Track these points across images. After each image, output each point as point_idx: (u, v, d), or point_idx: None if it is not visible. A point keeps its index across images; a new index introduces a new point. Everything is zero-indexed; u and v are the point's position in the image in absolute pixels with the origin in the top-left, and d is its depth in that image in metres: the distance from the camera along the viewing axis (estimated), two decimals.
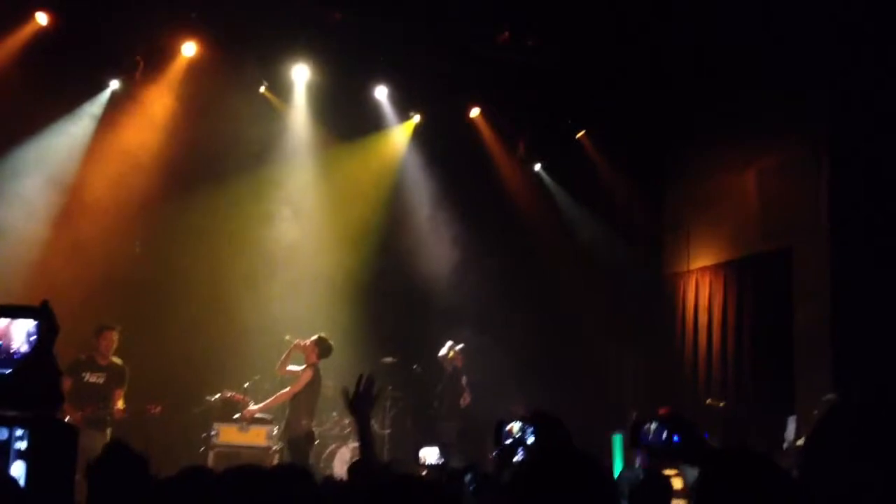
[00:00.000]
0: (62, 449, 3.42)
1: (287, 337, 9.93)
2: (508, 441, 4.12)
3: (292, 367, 9.77)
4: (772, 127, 11.23)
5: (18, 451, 3.35)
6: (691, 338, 12.87)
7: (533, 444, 3.99)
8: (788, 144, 11.30)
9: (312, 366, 9.54)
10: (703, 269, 12.90)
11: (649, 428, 3.55)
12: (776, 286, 11.61)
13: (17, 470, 3.35)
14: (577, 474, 2.68)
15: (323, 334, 9.76)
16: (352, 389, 4.13)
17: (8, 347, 3.91)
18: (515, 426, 4.12)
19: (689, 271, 13.17)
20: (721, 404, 10.72)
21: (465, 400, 11.46)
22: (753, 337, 11.92)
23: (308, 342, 9.65)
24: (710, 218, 12.94)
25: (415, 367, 11.51)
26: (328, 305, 11.46)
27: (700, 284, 12.91)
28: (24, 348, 3.92)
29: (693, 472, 4.18)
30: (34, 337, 3.83)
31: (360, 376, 4.08)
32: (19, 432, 3.38)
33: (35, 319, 3.83)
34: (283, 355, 9.80)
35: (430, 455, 9.63)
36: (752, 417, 10.89)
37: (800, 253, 11.34)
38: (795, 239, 11.36)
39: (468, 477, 4.69)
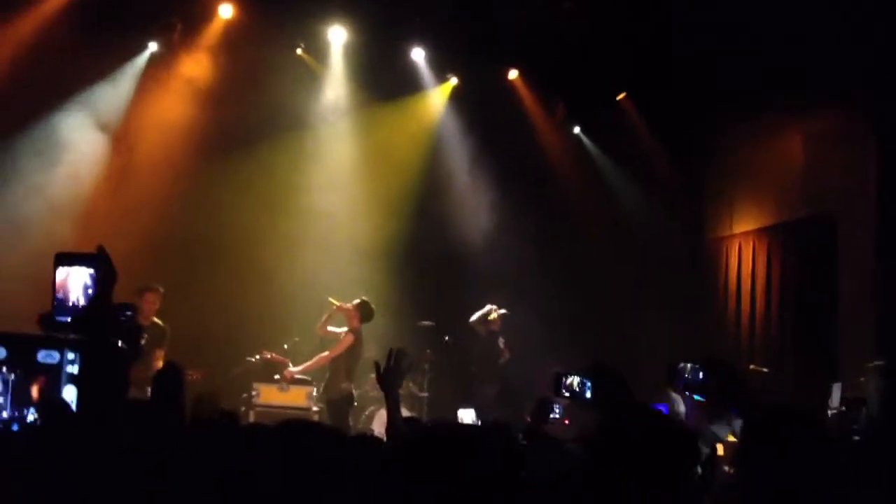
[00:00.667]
0: (113, 374, 3.39)
1: (330, 298, 9.91)
2: (567, 394, 4.04)
3: (333, 329, 9.76)
4: (820, 91, 10.98)
5: (70, 374, 3.33)
6: (734, 303, 12.72)
7: (591, 398, 3.90)
8: (836, 110, 11.08)
9: (354, 330, 9.51)
10: (746, 233, 12.72)
11: (685, 367, 3.47)
12: (820, 251, 11.43)
13: (69, 394, 3.33)
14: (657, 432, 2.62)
15: (365, 298, 9.73)
16: (383, 363, 4.25)
17: (66, 299, 3.88)
18: (575, 379, 4.02)
19: (731, 236, 13.00)
20: (765, 370, 10.55)
21: (505, 356, 11.42)
22: (797, 302, 11.76)
23: (350, 305, 9.63)
24: (754, 182, 12.75)
25: (447, 338, 11.44)
26: (365, 269, 11.42)
27: (743, 249, 12.73)
28: (82, 301, 3.89)
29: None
30: (90, 287, 3.79)
31: (391, 350, 4.17)
32: (71, 356, 3.35)
33: (91, 268, 3.79)
34: (325, 316, 9.80)
35: (466, 416, 9.61)
36: (796, 383, 10.74)
37: (844, 219, 11.15)
38: (840, 205, 11.17)
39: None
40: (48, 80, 10.57)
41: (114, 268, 3.69)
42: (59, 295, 3.79)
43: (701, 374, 3.53)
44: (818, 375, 10.50)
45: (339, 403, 9.30)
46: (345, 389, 9.40)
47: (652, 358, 11.86)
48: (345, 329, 9.58)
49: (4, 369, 3.29)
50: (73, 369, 3.35)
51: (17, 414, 3.23)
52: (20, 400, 3.29)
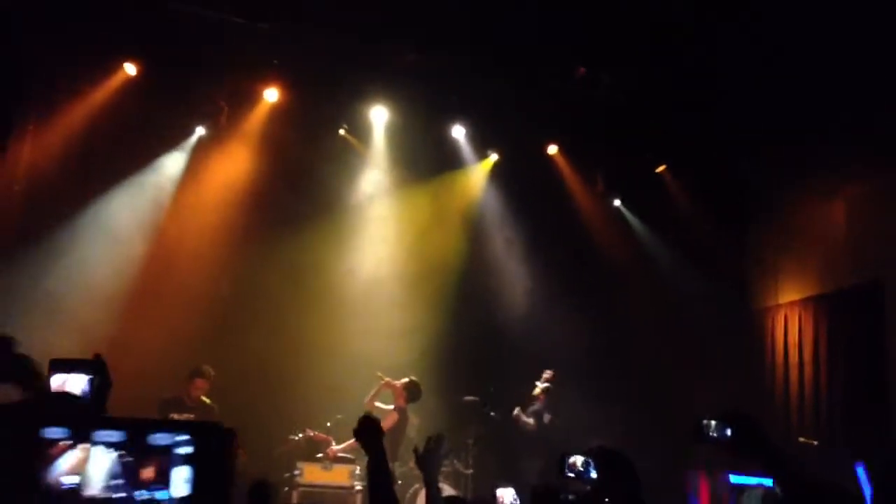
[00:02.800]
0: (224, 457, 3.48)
1: (379, 373, 9.96)
2: (571, 475, 4.06)
3: (380, 405, 9.78)
4: (860, 154, 10.93)
5: (183, 456, 3.41)
6: (781, 375, 12.52)
7: (595, 480, 3.92)
8: (878, 172, 11.01)
9: (400, 409, 9.53)
10: (792, 303, 12.57)
11: (709, 424, 3.47)
12: (868, 321, 11.25)
13: (182, 475, 3.41)
14: None
15: (414, 378, 9.76)
16: (422, 446, 4.31)
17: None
18: (579, 460, 4.05)
19: (777, 306, 12.84)
20: (814, 443, 10.35)
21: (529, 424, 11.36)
22: (846, 374, 11.54)
23: (399, 384, 9.66)
24: (798, 250, 12.64)
25: (485, 405, 11.40)
26: (408, 348, 11.48)
27: (789, 320, 12.57)
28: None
29: None
30: (87, 391, 3.88)
31: (430, 438, 4.24)
32: (183, 438, 3.44)
33: (88, 374, 3.87)
34: (373, 391, 9.84)
35: (506, 495, 9.50)
36: (848, 457, 10.49)
37: (892, 285, 10.99)
38: (887, 271, 11.02)
39: None
40: (99, 165, 10.96)
41: (109, 375, 3.75)
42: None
43: (728, 431, 3.51)
44: (870, 449, 10.27)
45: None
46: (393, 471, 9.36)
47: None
48: (391, 407, 9.60)
49: (119, 452, 3.38)
50: (186, 450, 3.43)
51: (130, 496, 3.33)
52: (134, 483, 3.40)
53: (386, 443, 9.35)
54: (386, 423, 9.46)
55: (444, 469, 9.98)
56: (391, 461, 9.25)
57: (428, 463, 4.36)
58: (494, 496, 9.14)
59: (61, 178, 10.75)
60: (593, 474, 3.99)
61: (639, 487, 3.78)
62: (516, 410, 11.39)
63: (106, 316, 10.45)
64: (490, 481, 10.70)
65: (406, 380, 9.71)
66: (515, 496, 8.63)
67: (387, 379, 9.72)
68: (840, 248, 11.84)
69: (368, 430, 4.02)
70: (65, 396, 3.72)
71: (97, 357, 3.85)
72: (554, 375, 11.44)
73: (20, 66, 10.28)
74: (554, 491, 4.33)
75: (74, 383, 3.84)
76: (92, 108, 10.97)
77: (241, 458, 9.01)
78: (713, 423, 3.42)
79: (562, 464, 4.15)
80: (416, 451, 4.45)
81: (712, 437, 3.41)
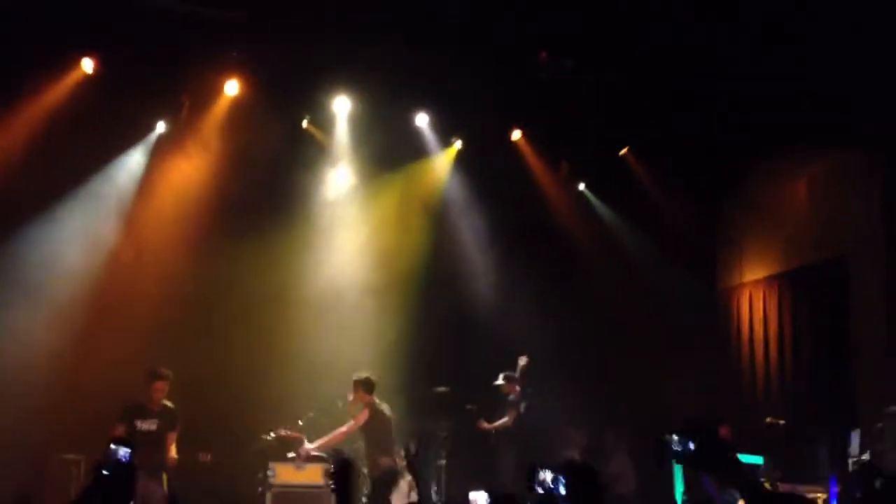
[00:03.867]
0: None
1: (338, 401, 9.99)
2: (539, 490, 4.08)
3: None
4: (823, 133, 11.02)
5: None
6: (747, 353, 12.69)
7: (563, 496, 3.95)
8: (840, 151, 11.12)
9: (367, 404, 9.51)
10: (757, 281, 12.73)
11: (671, 438, 3.50)
12: (832, 297, 11.42)
13: None
14: None
15: (356, 375, 9.66)
16: (412, 447, 4.34)
17: None
18: (548, 476, 4.07)
19: (742, 284, 13.00)
20: (781, 422, 10.49)
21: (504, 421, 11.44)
22: (812, 350, 11.73)
23: (350, 396, 9.63)
24: (763, 230, 12.77)
25: (468, 406, 11.46)
26: (377, 337, 11.51)
27: (754, 298, 12.73)
28: None
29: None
30: None
31: (419, 439, 4.30)
32: None
33: None
34: (349, 409, 9.78)
35: (479, 499, 9.57)
36: (815, 433, 10.66)
37: (854, 262, 11.15)
38: (850, 248, 11.17)
39: None
40: (59, 164, 10.76)
41: None
42: None
43: (691, 445, 3.53)
44: (836, 423, 10.45)
45: (381, 479, 9.31)
46: (385, 465, 9.36)
47: (669, 412, 11.83)
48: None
49: None
50: None
51: None
52: None
53: (371, 440, 9.40)
54: (358, 420, 9.45)
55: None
56: (384, 455, 9.25)
57: (416, 463, 4.41)
58: (467, 500, 9.22)
59: (21, 178, 10.54)
60: (562, 490, 4.01)
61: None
62: (482, 423, 11.43)
63: (67, 320, 10.36)
64: (463, 476, 10.82)
65: (355, 378, 9.62)
66: (488, 500, 8.67)
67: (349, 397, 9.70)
68: (803, 227, 11.99)
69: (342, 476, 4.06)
70: None
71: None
72: (528, 363, 11.51)
73: None
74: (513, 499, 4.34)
75: None
76: (50, 105, 10.75)
77: (207, 460, 9.03)
78: (675, 437, 3.44)
79: (531, 477, 4.16)
80: (406, 450, 4.56)
81: (676, 451, 3.42)
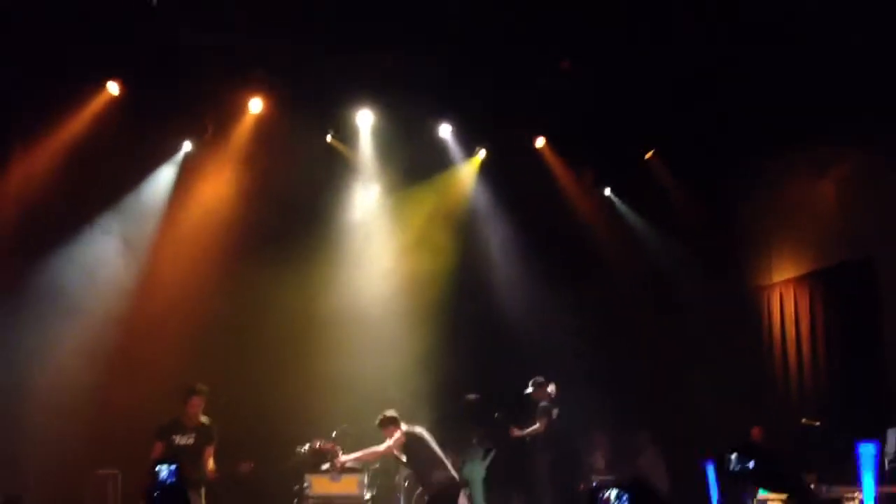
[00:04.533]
0: None
1: (391, 393, 10.29)
2: None
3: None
4: (849, 131, 10.95)
5: None
6: (779, 353, 12.60)
7: None
8: (866, 149, 11.04)
9: (403, 432, 9.43)
10: (787, 281, 12.64)
11: (729, 458, 3.52)
12: (863, 295, 11.33)
13: None
14: None
15: (379, 416, 9.54)
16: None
17: None
18: (612, 494, 4.07)
19: (772, 284, 12.91)
20: (817, 423, 10.41)
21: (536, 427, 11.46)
22: (844, 349, 11.64)
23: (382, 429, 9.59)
24: (790, 229, 12.69)
25: (496, 415, 11.46)
26: (408, 344, 11.56)
27: (784, 297, 12.64)
28: None
29: None
30: None
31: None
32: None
33: None
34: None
35: None
36: (851, 433, 10.56)
37: (884, 260, 11.07)
38: (879, 247, 11.09)
39: None
40: (87, 187, 10.92)
41: None
42: None
43: (751, 464, 3.55)
44: (872, 422, 10.36)
45: (441, 494, 9.24)
46: (440, 478, 9.23)
47: (703, 416, 11.81)
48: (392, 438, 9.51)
49: None
50: None
51: None
52: None
53: (414, 462, 9.35)
54: (394, 444, 9.37)
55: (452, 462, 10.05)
56: (440, 469, 9.21)
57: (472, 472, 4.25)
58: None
59: (51, 201, 10.70)
60: None
61: None
62: (514, 429, 11.43)
63: (98, 343, 10.50)
64: (497, 482, 10.83)
65: (380, 418, 9.58)
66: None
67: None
68: (831, 226, 11.90)
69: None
70: None
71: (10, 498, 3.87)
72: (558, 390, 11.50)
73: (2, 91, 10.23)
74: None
75: None
76: (79, 128, 10.91)
77: (248, 470, 9.09)
78: (733, 456, 3.48)
79: (593, 499, 4.16)
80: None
81: (733, 470, 3.46)
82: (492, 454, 4.04)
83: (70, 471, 9.70)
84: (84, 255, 10.94)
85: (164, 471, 3.73)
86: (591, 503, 4.12)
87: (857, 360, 11.32)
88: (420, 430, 9.53)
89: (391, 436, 9.37)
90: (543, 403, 11.53)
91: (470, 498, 10.71)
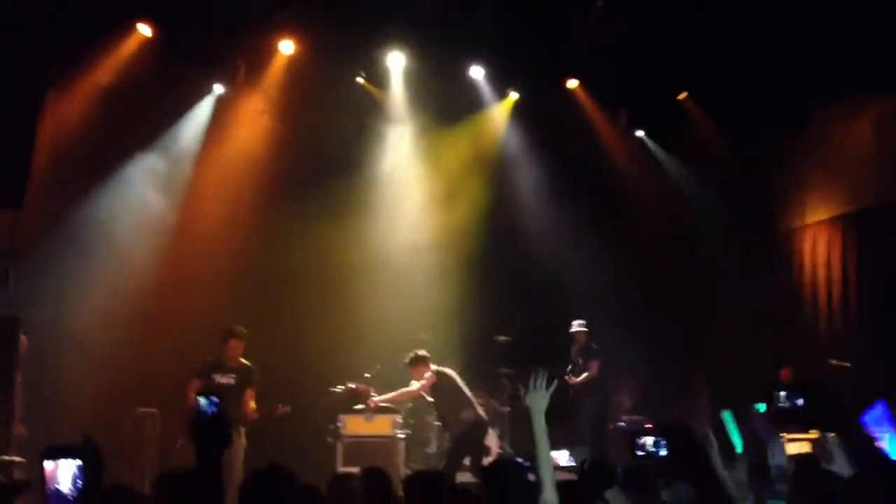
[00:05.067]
0: None
1: (422, 335, 10.18)
2: (641, 454, 4.15)
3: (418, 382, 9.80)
4: (887, 71, 10.76)
5: None
6: (810, 295, 12.55)
7: (665, 456, 4.03)
8: None
9: (434, 371, 9.57)
10: (820, 223, 12.55)
11: (779, 395, 3.57)
12: None
13: None
14: None
15: (410, 355, 9.72)
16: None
17: (56, 490, 4.08)
18: (649, 440, 4.15)
19: (804, 226, 12.82)
20: (847, 364, 10.41)
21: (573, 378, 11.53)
22: (876, 292, 11.57)
23: (410, 368, 9.71)
24: (825, 170, 12.54)
25: (499, 338, 11.48)
26: (440, 290, 11.61)
27: (818, 239, 12.56)
28: (69, 489, 4.08)
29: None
30: (79, 480, 3.98)
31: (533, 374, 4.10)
32: None
33: (79, 460, 3.95)
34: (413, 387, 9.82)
35: (560, 458, 9.75)
36: (880, 375, 10.55)
37: None
38: None
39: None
40: (120, 130, 10.95)
41: (101, 457, 3.79)
42: (51, 487, 3.96)
43: (800, 401, 3.57)
44: None
45: (467, 433, 9.42)
46: (466, 418, 9.45)
47: (732, 358, 11.82)
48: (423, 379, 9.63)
49: None
50: None
51: None
52: None
53: (443, 402, 9.50)
54: (426, 384, 9.51)
55: (480, 402, 10.19)
56: (467, 409, 9.31)
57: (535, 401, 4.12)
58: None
59: (84, 144, 10.74)
60: (663, 452, 4.09)
61: (709, 464, 3.84)
62: (570, 378, 11.46)
63: (136, 283, 10.62)
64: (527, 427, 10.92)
65: (408, 357, 9.69)
66: (570, 458, 8.77)
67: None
68: (868, 167, 11.75)
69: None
70: None
71: (86, 439, 3.91)
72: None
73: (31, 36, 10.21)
74: (602, 462, 4.38)
75: (65, 469, 3.95)
76: (110, 70, 10.90)
77: (285, 412, 9.23)
78: (783, 393, 3.51)
79: (632, 444, 4.24)
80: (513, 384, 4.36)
81: (783, 407, 3.49)
82: (555, 384, 4.07)
83: (108, 411, 9.86)
84: (122, 195, 10.99)
85: (203, 402, 3.77)
86: (630, 448, 4.20)
87: (890, 303, 11.26)
88: (450, 370, 9.66)
89: (420, 375, 9.52)
90: (594, 346, 11.61)
91: (501, 437, 10.86)
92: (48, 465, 3.95)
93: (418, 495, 4.13)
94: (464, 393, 9.60)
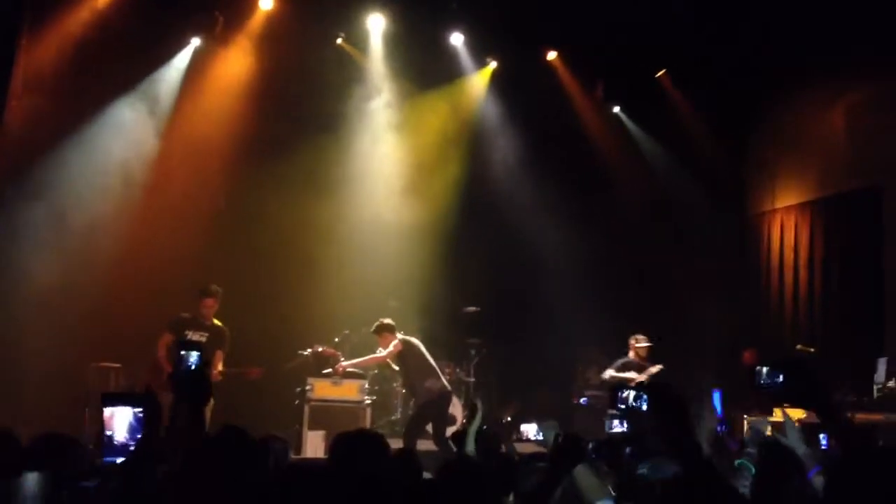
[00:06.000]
0: None
1: (392, 303, 10.10)
2: (622, 407, 4.19)
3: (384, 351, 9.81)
4: (861, 59, 10.86)
5: None
6: (777, 279, 12.72)
7: (646, 411, 4.06)
8: (878, 77, 10.97)
9: (399, 340, 9.57)
10: (789, 208, 12.70)
11: (760, 371, 3.56)
12: (865, 225, 11.40)
13: None
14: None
15: (376, 323, 9.68)
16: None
17: (112, 437, 4.04)
18: (631, 394, 4.18)
19: (773, 210, 12.97)
20: (811, 349, 10.56)
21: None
22: (842, 277, 11.76)
23: (377, 335, 9.70)
24: (796, 156, 12.69)
25: (468, 308, 11.51)
26: (412, 258, 11.54)
27: (785, 224, 12.71)
28: (126, 438, 4.04)
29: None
30: (135, 424, 3.94)
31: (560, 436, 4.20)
32: None
33: (136, 407, 3.90)
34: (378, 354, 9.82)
35: (530, 431, 9.84)
36: (842, 360, 10.73)
37: (890, 190, 11.10)
38: (886, 176, 11.11)
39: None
40: (95, 79, 10.70)
41: (160, 408, 3.75)
42: (108, 433, 3.92)
43: (781, 378, 3.54)
44: (864, 350, 10.54)
45: (432, 402, 9.43)
46: (431, 387, 9.45)
47: (698, 338, 11.95)
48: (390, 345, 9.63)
49: None
50: None
51: None
52: None
53: (409, 370, 9.53)
54: (392, 352, 9.49)
55: (446, 371, 10.25)
56: (431, 379, 9.36)
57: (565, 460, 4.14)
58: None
59: (57, 92, 10.50)
60: (644, 406, 4.12)
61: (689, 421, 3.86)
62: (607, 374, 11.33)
63: (108, 231, 10.45)
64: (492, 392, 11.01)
65: (376, 325, 9.68)
66: (539, 431, 8.80)
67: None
68: (839, 154, 11.90)
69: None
70: None
71: (148, 390, 3.87)
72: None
73: None
74: (576, 437, 4.41)
75: (122, 416, 3.91)
76: (85, 20, 10.63)
77: (254, 374, 9.19)
78: (764, 369, 3.47)
79: (613, 398, 4.27)
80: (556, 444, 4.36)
81: (764, 384, 3.46)
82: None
83: (72, 365, 9.75)
84: (92, 148, 10.76)
85: (190, 356, 3.74)
86: (612, 402, 4.25)
87: (855, 290, 11.44)
88: (415, 340, 9.68)
89: (387, 343, 9.51)
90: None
91: (465, 407, 10.92)
92: (106, 411, 3.92)
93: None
94: (429, 362, 9.62)
